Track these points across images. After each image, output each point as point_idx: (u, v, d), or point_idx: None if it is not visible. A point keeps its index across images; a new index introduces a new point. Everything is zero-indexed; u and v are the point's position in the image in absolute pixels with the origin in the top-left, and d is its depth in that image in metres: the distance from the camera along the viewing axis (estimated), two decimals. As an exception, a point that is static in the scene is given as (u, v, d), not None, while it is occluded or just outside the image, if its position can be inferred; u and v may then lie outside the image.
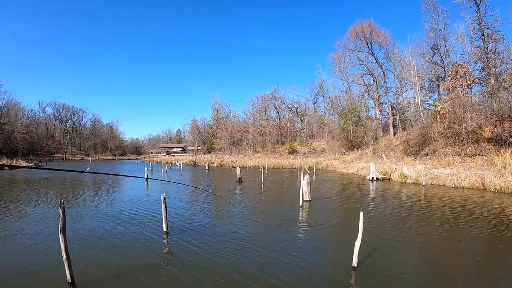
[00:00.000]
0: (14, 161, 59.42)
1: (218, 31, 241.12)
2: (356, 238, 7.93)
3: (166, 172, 46.50)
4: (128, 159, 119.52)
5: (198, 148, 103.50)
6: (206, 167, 55.39)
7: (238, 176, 30.94)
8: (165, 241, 10.76)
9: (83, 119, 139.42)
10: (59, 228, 7.06)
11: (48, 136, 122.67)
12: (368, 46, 60.06)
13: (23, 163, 60.32)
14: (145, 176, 32.88)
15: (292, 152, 70.23)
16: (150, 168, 51.21)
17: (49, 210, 16.09)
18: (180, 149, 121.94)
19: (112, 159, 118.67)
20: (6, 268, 8.19)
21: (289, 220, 13.71)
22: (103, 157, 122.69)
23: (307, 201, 17.70)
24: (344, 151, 54.90)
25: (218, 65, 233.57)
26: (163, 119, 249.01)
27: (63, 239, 7.02)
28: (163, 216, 11.54)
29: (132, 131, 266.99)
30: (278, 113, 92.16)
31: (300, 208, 16.14)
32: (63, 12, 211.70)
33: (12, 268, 8.25)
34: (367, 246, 9.30)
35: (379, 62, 59.50)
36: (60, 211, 7.14)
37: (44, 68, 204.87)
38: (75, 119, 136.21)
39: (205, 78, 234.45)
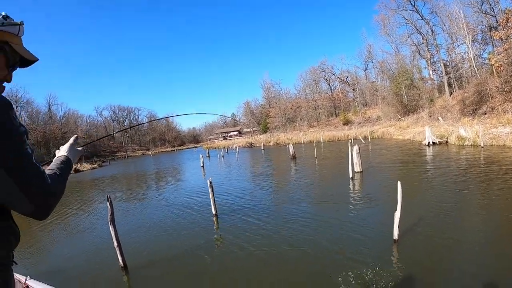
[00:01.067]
0: (78, 165, 62.98)
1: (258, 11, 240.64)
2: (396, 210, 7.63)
3: (223, 156, 47.73)
4: (187, 148, 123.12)
5: (254, 129, 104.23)
6: (262, 147, 56.00)
7: (291, 153, 31.21)
8: (214, 223, 11.52)
9: (139, 117, 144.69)
10: (109, 220, 8.08)
11: (109, 137, 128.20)
12: (411, 3, 56.33)
13: (87, 166, 63.86)
14: (201, 164, 34.37)
15: (347, 123, 69.12)
16: (207, 155, 53.03)
17: (115, 205, 17.33)
18: (236, 132, 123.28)
19: (171, 150, 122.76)
20: (77, 257, 9.41)
21: (337, 193, 13.71)
22: (162, 150, 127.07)
23: (358, 172, 17.47)
24: (399, 117, 53.12)
25: (263, 44, 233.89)
26: (217, 105, 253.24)
27: (113, 229, 7.99)
28: (211, 200, 12.25)
29: (188, 121, 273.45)
30: (329, 85, 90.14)
31: (351, 180, 15.96)
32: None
33: (81, 256, 9.56)
34: (422, 216, 9.18)
35: (425, 18, 55.86)
36: (108, 205, 8.08)
37: (96, 74, 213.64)
38: (131, 118, 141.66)
39: (252, 58, 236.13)
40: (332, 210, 11.10)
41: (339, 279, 6.12)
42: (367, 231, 8.56)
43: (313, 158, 28.91)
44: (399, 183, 7.60)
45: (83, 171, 59.93)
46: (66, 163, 1.77)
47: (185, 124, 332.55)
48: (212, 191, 12.15)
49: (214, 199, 12.27)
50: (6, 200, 1.38)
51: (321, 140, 52.86)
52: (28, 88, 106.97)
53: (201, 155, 37.48)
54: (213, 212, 12.21)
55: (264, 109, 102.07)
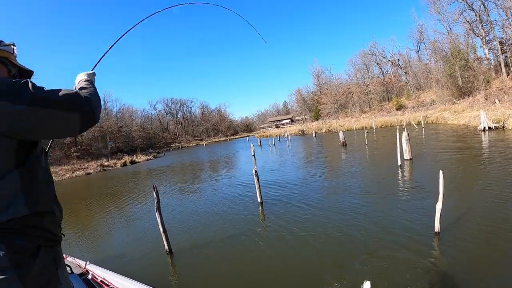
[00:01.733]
0: (134, 157, 65.67)
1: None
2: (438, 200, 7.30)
3: (274, 145, 48.19)
4: (240, 137, 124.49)
5: (306, 116, 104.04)
6: (314, 135, 55.94)
7: (341, 140, 31.24)
8: (259, 210, 12.01)
9: (192, 108, 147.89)
10: (155, 208, 8.79)
11: (163, 129, 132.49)
12: (460, -22, 53.69)
13: (143, 157, 66.46)
14: (252, 153, 35.20)
15: (400, 107, 67.49)
16: (259, 143, 53.68)
17: (167, 193, 18.36)
18: (288, 120, 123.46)
19: (224, 140, 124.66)
20: (130, 242, 10.29)
21: (383, 181, 13.67)
22: (216, 140, 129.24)
23: (407, 159, 17.08)
24: (454, 100, 50.57)
25: (311, 31, 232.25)
26: (269, 94, 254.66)
27: (159, 216, 8.71)
28: (256, 188, 12.73)
29: (240, 110, 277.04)
30: (381, 69, 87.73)
31: (399, 167, 15.67)
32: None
33: (133, 242, 10.47)
34: (472, 209, 8.74)
35: (476, -7, 52.34)
36: (154, 194, 8.80)
37: (149, 69, 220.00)
38: (184, 110, 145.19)
39: (300, 45, 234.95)
40: (376, 199, 11.12)
41: (369, 266, 6.40)
42: (408, 221, 8.53)
43: (364, 145, 28.78)
44: (440, 172, 7.35)
45: (138, 162, 62.33)
46: (86, 79, 2.13)
47: (237, 113, 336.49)
48: (258, 180, 12.60)
49: (260, 187, 12.72)
50: (59, 129, 1.64)
51: (373, 126, 52.06)
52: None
53: (252, 144, 38.22)
54: (259, 200, 12.69)
55: (316, 96, 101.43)
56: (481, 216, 8.20)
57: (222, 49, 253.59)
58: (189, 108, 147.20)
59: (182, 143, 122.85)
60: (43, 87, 1.63)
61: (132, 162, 61.79)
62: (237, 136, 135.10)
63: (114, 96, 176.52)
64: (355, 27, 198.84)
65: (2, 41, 1.95)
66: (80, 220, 15.57)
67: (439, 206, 7.25)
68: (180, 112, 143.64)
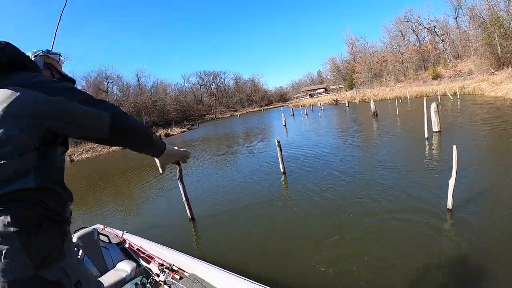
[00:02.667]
0: (169, 130, 67.25)
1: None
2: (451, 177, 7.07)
3: (306, 114, 48.18)
4: (274, 107, 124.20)
5: (340, 86, 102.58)
6: (346, 104, 55.40)
7: (373, 110, 30.98)
8: (282, 180, 12.53)
9: (225, 80, 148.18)
10: (178, 177, 9.55)
11: (197, 101, 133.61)
12: None
13: (177, 130, 68.03)
14: (283, 123, 35.65)
15: (436, 77, 63.87)
16: (292, 113, 54.04)
17: (198, 163, 19.16)
18: (322, 89, 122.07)
19: (258, 110, 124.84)
20: (161, 211, 11.09)
21: (406, 154, 13.59)
22: (250, 110, 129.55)
23: (436, 132, 16.49)
24: (492, 71, 47.23)
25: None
26: (303, 63, 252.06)
27: (181, 185, 9.45)
28: (279, 158, 13.16)
29: (275, 80, 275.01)
30: (417, 36, 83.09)
31: (426, 140, 15.20)
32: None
33: (164, 211, 11.38)
34: (496, 189, 8.23)
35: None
36: (176, 165, 9.36)
37: (181, 41, 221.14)
38: (218, 81, 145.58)
39: (332, 13, 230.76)
40: (396, 172, 11.07)
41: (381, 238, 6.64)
42: (424, 196, 8.45)
43: (395, 116, 28.23)
44: (454, 147, 7.07)
45: (173, 135, 63.99)
46: (158, 140, 2.05)
47: (271, 83, 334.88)
48: (280, 150, 13.01)
49: (283, 158, 13.15)
50: (88, 127, 1.70)
51: (408, 96, 50.57)
52: (118, 66, 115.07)
53: (283, 114, 38.40)
54: (281, 170, 13.18)
55: (350, 64, 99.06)
56: (502, 198, 7.67)
57: (254, 18, 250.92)
58: (223, 80, 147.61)
59: (216, 115, 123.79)
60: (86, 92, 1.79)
61: (167, 135, 63.34)
62: (271, 106, 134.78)
63: (148, 71, 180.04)
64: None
65: (49, 50, 2.21)
66: (120, 191, 16.73)
67: (452, 182, 7.08)
68: (213, 84, 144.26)
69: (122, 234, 6.04)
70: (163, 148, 2.11)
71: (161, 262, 4.76)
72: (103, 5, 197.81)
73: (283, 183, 12.18)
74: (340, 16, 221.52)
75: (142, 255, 5.25)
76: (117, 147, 53.07)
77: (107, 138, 1.75)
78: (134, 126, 1.82)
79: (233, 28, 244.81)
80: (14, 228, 1.51)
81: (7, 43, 1.77)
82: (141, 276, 4.49)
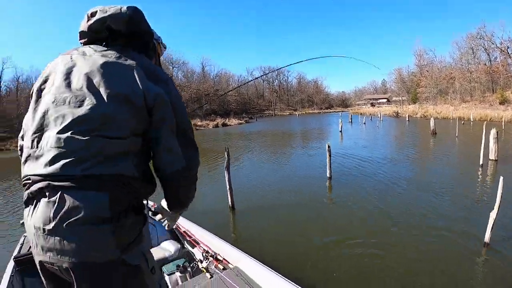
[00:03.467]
0: (227, 120, 68.51)
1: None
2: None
3: (364, 123, 47.71)
4: (334, 112, 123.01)
5: (403, 98, 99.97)
6: (407, 118, 54.13)
7: (432, 128, 29.89)
8: (326, 184, 12.64)
9: (289, 78, 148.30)
10: (225, 167, 9.99)
11: (258, 96, 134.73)
12: None
13: (235, 121, 69.31)
14: (339, 128, 35.48)
15: (504, 101, 58.29)
16: (350, 120, 53.54)
17: (248, 155, 19.62)
18: (385, 100, 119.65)
19: (318, 112, 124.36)
20: (207, 197, 11.53)
21: (455, 179, 12.88)
22: (309, 111, 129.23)
23: (492, 160, 15.34)
24: None
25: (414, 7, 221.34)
26: (368, 70, 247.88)
27: (227, 174, 9.87)
28: (327, 163, 13.19)
29: (338, 84, 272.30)
30: (489, 55, 76.19)
31: (480, 167, 14.17)
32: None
33: (210, 196, 11.80)
34: None
35: None
36: (226, 155, 9.91)
37: (247, 35, 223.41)
38: (281, 79, 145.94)
39: (402, 22, 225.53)
40: (440, 192, 10.60)
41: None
42: (463, 224, 8.01)
43: (454, 137, 26.86)
44: (501, 178, 6.66)
45: (230, 125, 65.32)
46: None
47: (334, 87, 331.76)
48: (330, 155, 13.08)
49: (330, 163, 13.19)
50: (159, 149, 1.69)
51: (471, 118, 47.21)
52: (184, 52, 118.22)
53: (340, 120, 38.03)
54: (328, 175, 13.17)
55: (415, 77, 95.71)
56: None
57: (322, 22, 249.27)
58: (286, 78, 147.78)
59: (276, 111, 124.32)
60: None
61: (224, 125, 64.73)
62: (331, 110, 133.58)
63: (213, 61, 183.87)
64: (464, 5, 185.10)
65: (160, 38, 2.20)
66: None
67: (493, 215, 6.66)
68: (276, 80, 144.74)
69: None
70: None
71: (206, 248, 4.75)
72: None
73: (328, 188, 12.24)
74: (411, 25, 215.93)
75: (188, 238, 5.29)
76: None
77: (162, 178, 1.78)
78: (191, 190, 1.90)
79: (301, 26, 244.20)
80: (110, 212, 1.51)
81: (135, 10, 1.80)
82: (184, 259, 4.52)
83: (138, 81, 1.62)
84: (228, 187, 9.88)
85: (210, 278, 3.91)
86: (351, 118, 55.74)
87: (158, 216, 2.30)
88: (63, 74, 1.65)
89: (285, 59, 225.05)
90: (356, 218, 8.68)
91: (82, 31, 1.81)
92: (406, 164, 16.09)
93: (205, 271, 4.12)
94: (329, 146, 13.04)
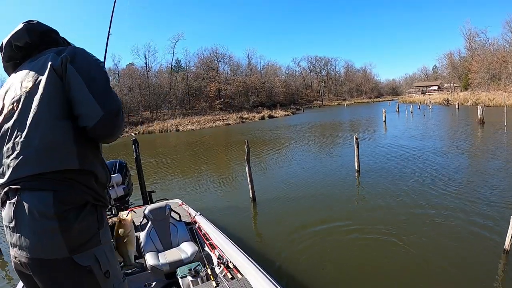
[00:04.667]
0: (273, 112, 68.94)
1: None
2: None
3: (411, 112, 46.55)
4: (383, 100, 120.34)
5: (454, 85, 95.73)
6: (456, 106, 52.05)
7: (479, 117, 28.20)
8: (355, 176, 12.66)
9: (336, 67, 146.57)
10: (245, 160, 10.53)
11: (306, 86, 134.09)
12: None
13: (281, 113, 69.70)
14: (383, 118, 35.04)
15: None
16: (397, 109, 52.45)
17: (292, 148, 19.91)
18: (436, 87, 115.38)
19: (367, 101, 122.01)
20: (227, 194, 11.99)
21: (492, 174, 11.55)
22: (358, 101, 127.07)
23: None
24: None
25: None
26: (418, 55, 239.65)
27: (247, 167, 10.42)
28: (355, 156, 13.13)
29: (387, 72, 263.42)
30: None
31: None
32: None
33: (229, 193, 12.30)
34: None
35: None
36: (246, 148, 10.29)
37: (294, 26, 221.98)
38: (328, 68, 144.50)
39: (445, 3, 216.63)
40: (471, 192, 9.64)
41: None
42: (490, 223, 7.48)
43: (503, 126, 24.46)
44: None
45: (276, 117, 65.71)
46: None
47: (384, 74, 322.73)
48: (358, 147, 13.03)
49: (358, 156, 13.12)
50: (79, 105, 1.71)
51: None
52: (229, 46, 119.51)
53: (384, 109, 37.17)
54: (356, 168, 13.14)
55: (467, 62, 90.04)
56: None
57: (368, 5, 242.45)
58: (333, 67, 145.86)
59: (324, 102, 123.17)
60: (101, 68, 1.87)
61: (270, 117, 65.22)
62: (380, 99, 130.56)
63: (259, 53, 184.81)
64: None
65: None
66: (217, 165, 18.25)
67: None
68: (324, 70, 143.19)
69: (195, 215, 6.32)
70: None
71: (220, 254, 4.83)
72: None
73: (357, 182, 12.11)
74: (462, 4, 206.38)
75: (206, 241, 5.39)
76: (220, 123, 56.09)
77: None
78: (121, 120, 1.86)
79: (347, 10, 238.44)
80: (54, 210, 1.58)
81: (38, 21, 1.98)
82: (198, 263, 4.61)
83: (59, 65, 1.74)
84: (249, 179, 10.36)
85: (216, 286, 3.98)
86: (398, 107, 54.36)
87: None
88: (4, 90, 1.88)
89: (334, 47, 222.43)
90: (383, 215, 8.44)
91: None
92: (440, 156, 15.22)
93: (212, 278, 4.20)
94: (356, 138, 13.01)
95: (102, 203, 1.83)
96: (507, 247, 6.16)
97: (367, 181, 11.96)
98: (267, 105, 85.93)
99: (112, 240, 2.04)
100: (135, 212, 6.25)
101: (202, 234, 5.59)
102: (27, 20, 1.97)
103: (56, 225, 1.58)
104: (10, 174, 1.65)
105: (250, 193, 10.40)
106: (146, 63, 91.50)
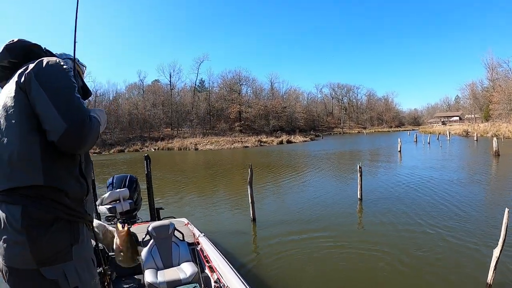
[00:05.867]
0: (292, 137, 69.40)
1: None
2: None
3: (429, 143, 46.31)
4: (404, 130, 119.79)
5: (476, 116, 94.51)
6: (475, 138, 51.42)
7: (494, 149, 27.94)
8: (358, 206, 12.69)
9: (358, 95, 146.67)
10: (248, 181, 11.07)
11: (327, 113, 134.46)
12: None
13: (300, 138, 70.31)
14: (398, 149, 35.05)
15: None
16: (415, 139, 52.41)
17: (294, 175, 20.54)
18: (457, 117, 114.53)
19: (387, 131, 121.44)
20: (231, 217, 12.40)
21: (497, 203, 11.87)
22: (379, 130, 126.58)
23: None
24: None
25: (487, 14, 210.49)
26: (441, 85, 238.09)
27: (249, 189, 10.96)
28: (358, 184, 13.26)
29: (409, 101, 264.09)
30: None
31: None
32: None
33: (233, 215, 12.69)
34: None
35: None
36: (249, 170, 10.94)
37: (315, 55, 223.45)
38: (350, 95, 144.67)
39: (470, 32, 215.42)
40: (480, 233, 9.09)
41: None
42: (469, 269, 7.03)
43: None
44: (506, 210, 5.92)
45: (294, 142, 66.04)
46: (101, 117, 2.00)
47: (405, 104, 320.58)
48: (361, 176, 13.14)
49: (361, 184, 13.21)
50: (44, 120, 1.71)
51: None
52: (252, 70, 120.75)
53: (399, 139, 36.94)
54: (358, 196, 13.24)
55: (488, 93, 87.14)
56: None
57: (392, 35, 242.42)
58: (355, 94, 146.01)
59: (344, 129, 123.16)
60: (71, 81, 1.83)
61: (288, 142, 65.69)
62: (401, 129, 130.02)
63: (281, 77, 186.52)
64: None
65: (79, 60, 2.39)
66: (232, 186, 18.57)
67: (496, 253, 5.95)
68: (345, 97, 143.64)
69: (198, 236, 6.29)
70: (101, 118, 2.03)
71: (219, 278, 4.86)
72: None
73: (358, 211, 12.20)
74: (484, 34, 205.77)
75: (206, 263, 5.40)
76: (238, 145, 56.85)
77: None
78: (91, 128, 1.79)
79: (371, 40, 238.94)
80: (22, 223, 1.63)
81: (19, 39, 2.02)
82: (196, 284, 4.58)
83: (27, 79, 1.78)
84: (250, 200, 10.84)
85: None
86: (416, 137, 54.23)
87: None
88: None
89: (356, 75, 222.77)
90: (383, 245, 8.40)
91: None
92: (447, 190, 14.71)
93: None
94: (360, 167, 13.16)
95: (80, 219, 1.85)
96: (489, 281, 6.05)
97: (370, 209, 12.10)
98: (286, 130, 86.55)
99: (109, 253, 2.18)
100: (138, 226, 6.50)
101: (204, 256, 5.62)
102: (9, 40, 2.02)
103: (24, 238, 1.63)
104: None
105: (251, 214, 10.83)
106: (170, 81, 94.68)
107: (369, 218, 11.11)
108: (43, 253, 1.65)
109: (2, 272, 1.72)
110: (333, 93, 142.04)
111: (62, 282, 1.69)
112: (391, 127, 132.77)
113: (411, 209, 11.54)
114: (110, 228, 2.26)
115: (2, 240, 1.65)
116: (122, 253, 2.07)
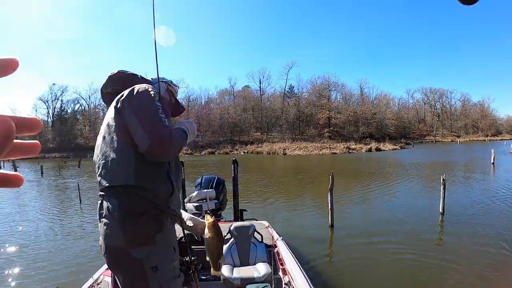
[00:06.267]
0: (381, 145, 67.98)
1: None
2: None
3: (528, 155, 42.70)
4: (501, 139, 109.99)
5: None
6: None
7: None
8: (439, 220, 12.23)
9: (451, 100, 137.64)
10: (329, 188, 11.50)
11: (419, 120, 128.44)
12: None
13: (389, 146, 69.14)
14: (492, 160, 32.87)
15: None
16: (511, 150, 48.68)
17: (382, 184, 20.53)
18: None
19: (483, 140, 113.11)
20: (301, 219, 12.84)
21: None
22: (473, 138, 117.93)
23: None
24: None
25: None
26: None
27: (330, 195, 11.34)
28: (441, 197, 12.76)
29: (507, 107, 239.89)
30: None
31: None
32: None
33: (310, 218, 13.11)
34: None
35: None
36: (330, 178, 11.25)
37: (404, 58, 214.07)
38: (443, 101, 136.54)
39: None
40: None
41: None
42: None
43: None
44: None
45: (384, 150, 64.65)
46: (189, 127, 2.44)
47: (503, 110, 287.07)
48: (444, 188, 12.65)
49: (444, 198, 12.70)
50: (135, 136, 2.12)
51: None
52: (341, 75, 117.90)
53: (492, 150, 34.34)
54: (440, 210, 12.73)
55: None
56: None
57: (488, 31, 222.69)
58: (449, 100, 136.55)
59: (437, 137, 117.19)
60: (154, 105, 2.20)
61: (377, 149, 64.35)
62: (498, 137, 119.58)
63: (371, 83, 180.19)
64: None
65: (172, 81, 2.78)
66: (317, 192, 18.38)
67: None
68: (438, 103, 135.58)
69: (277, 239, 6.29)
70: (188, 132, 2.44)
71: (290, 281, 4.82)
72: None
73: (439, 224, 11.84)
74: None
75: (280, 266, 5.40)
76: (327, 151, 56.83)
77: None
78: (172, 142, 2.17)
79: (465, 36, 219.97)
80: (119, 213, 2.05)
81: (119, 71, 2.54)
82: (268, 284, 4.63)
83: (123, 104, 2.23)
84: (329, 206, 11.24)
85: None
86: (512, 148, 50.03)
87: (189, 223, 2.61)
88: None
89: (449, 78, 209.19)
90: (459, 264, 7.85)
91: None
92: None
93: None
94: (443, 180, 12.66)
95: (164, 213, 2.22)
96: None
97: (451, 224, 11.46)
98: (376, 137, 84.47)
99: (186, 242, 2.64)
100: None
101: (279, 259, 5.62)
102: (111, 71, 2.54)
103: (119, 224, 2.05)
104: (99, 185, 2.22)
105: (329, 221, 11.17)
106: (260, 87, 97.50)
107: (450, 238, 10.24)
108: (132, 237, 2.06)
109: (101, 247, 2.15)
110: (425, 98, 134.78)
111: (144, 261, 2.06)
112: (487, 135, 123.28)
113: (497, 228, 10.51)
114: (201, 220, 2.63)
115: (104, 223, 2.09)
116: (209, 239, 2.25)
